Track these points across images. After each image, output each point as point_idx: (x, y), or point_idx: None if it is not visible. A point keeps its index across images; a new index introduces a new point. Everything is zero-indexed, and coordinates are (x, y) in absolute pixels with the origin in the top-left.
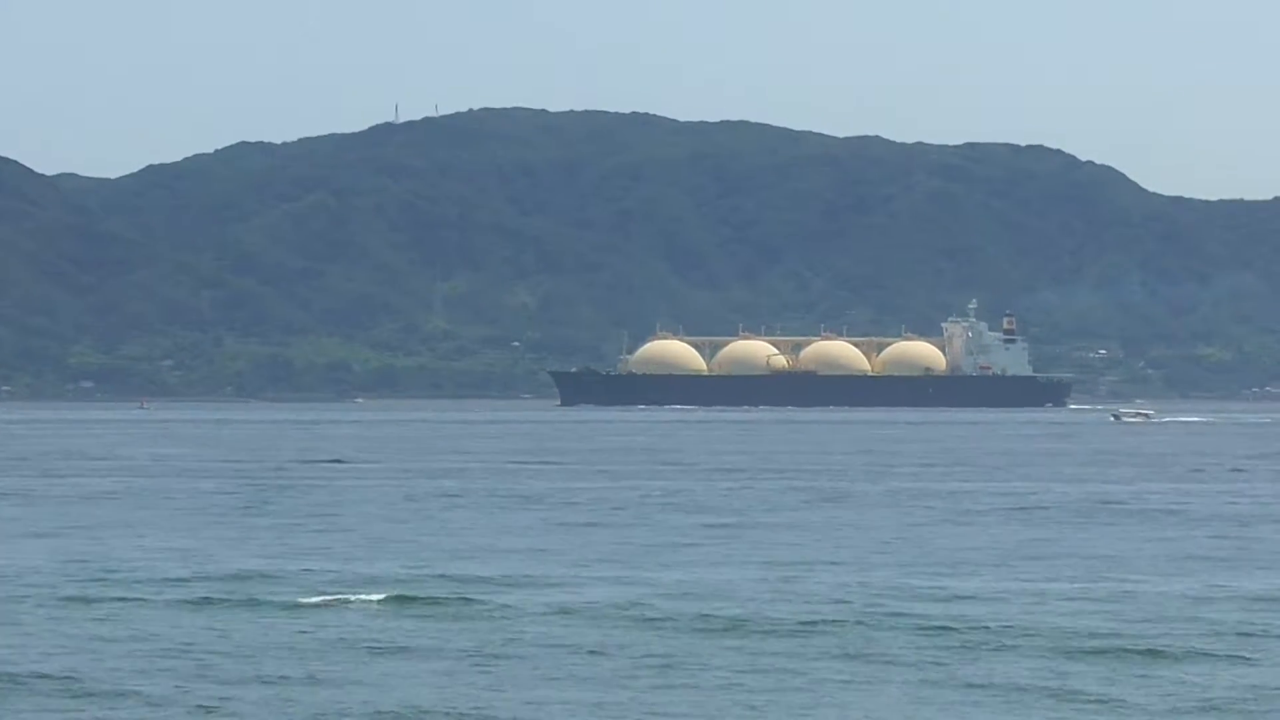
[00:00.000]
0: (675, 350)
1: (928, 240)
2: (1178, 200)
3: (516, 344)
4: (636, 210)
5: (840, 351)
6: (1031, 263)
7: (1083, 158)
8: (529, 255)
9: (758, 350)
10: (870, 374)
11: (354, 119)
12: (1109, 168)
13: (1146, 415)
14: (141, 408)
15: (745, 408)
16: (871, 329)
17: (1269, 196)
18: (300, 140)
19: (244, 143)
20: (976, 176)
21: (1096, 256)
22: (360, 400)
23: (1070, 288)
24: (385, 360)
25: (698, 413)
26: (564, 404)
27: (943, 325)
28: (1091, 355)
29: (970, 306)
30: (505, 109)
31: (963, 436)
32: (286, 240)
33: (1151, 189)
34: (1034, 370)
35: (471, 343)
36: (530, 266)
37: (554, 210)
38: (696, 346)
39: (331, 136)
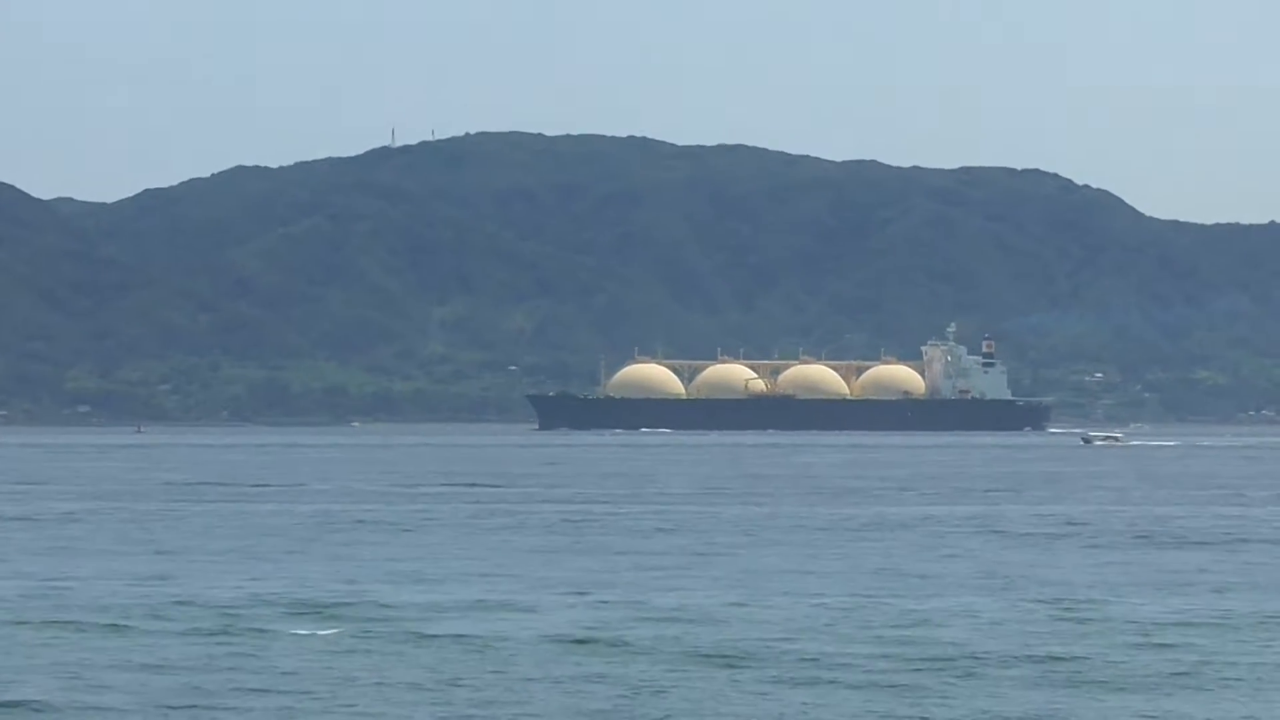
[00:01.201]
0: (653, 374)
1: (924, 264)
2: (1174, 224)
3: (513, 368)
4: (633, 234)
5: (819, 375)
6: (1028, 286)
7: (1079, 181)
8: (526, 279)
9: (736, 374)
10: (849, 398)
11: (350, 143)
12: (1105, 192)
13: (1116, 439)
14: (138, 432)
15: (723, 432)
16: (868, 353)
17: (1265, 220)
18: (297, 164)
19: (240, 167)
20: (973, 200)
21: (1093, 280)
22: (356, 424)
23: (1066, 311)
24: (382, 384)
25: (673, 436)
26: (542, 428)
27: (922, 349)
28: (1088, 379)
29: (949, 330)
30: (502, 133)
31: (888, 462)
32: (283, 264)
33: (1148, 213)
34: (1014, 394)
35: (468, 367)
36: (527, 290)
37: (551, 234)
38: (675, 370)
39: (328, 160)
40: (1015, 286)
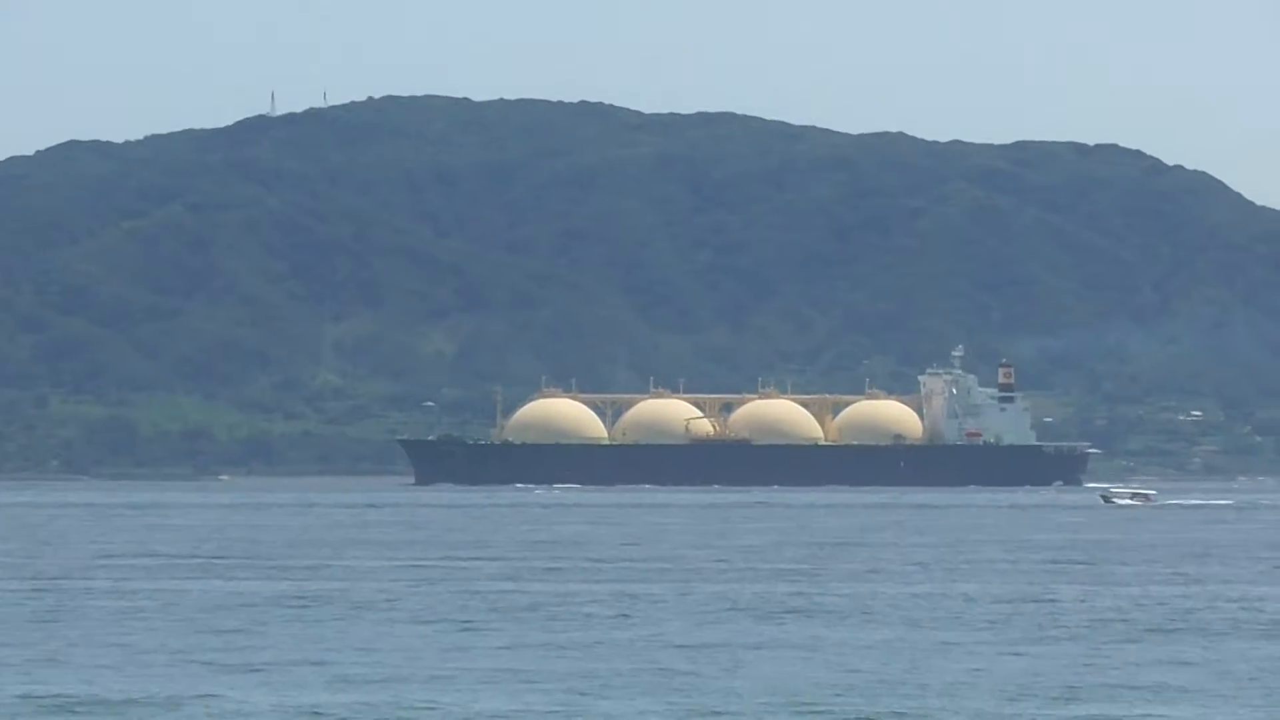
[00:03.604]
0: (564, 412)
1: (966, 268)
2: None
3: (430, 404)
4: (587, 230)
5: (783, 414)
6: (1102, 297)
7: (1169, 160)
8: (445, 288)
9: (673, 412)
10: (822, 443)
11: (217, 111)
12: (1203, 174)
13: (1146, 497)
14: None
15: (657, 487)
16: (894, 384)
17: None
18: (148, 139)
19: (74, 142)
20: (1030, 185)
21: (1187, 289)
22: (225, 478)
23: (1153, 329)
24: (258, 425)
25: (588, 493)
26: (419, 483)
27: (919, 379)
28: (1180, 418)
29: (955, 354)
30: (414, 98)
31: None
32: (129, 269)
33: (1258, 201)
34: (1038, 437)
35: (371, 403)
36: (447, 303)
37: (478, 230)
38: (595, 407)
39: (188, 134)
40: (1085, 297)
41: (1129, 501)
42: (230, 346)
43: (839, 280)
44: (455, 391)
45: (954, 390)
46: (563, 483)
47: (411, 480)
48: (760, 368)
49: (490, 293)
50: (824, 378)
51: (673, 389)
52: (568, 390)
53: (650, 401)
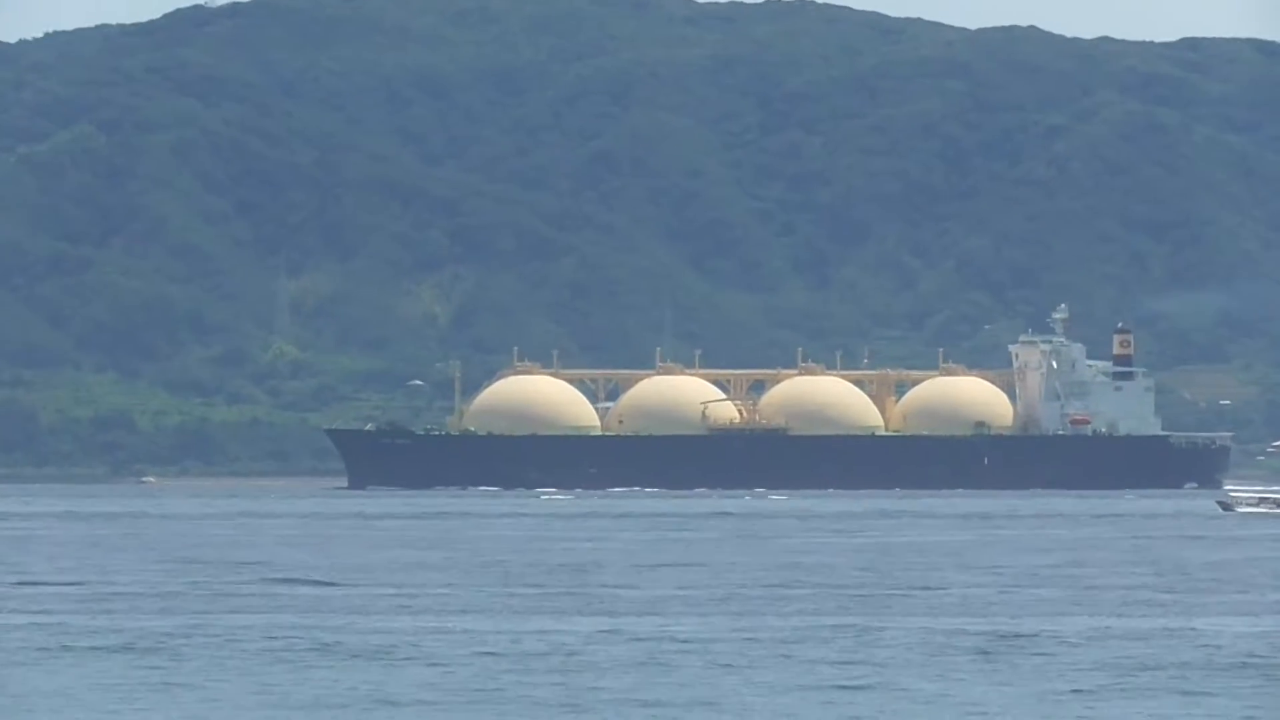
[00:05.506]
0: (543, 393)
1: (1118, 204)
2: None
3: (418, 383)
4: (621, 153)
5: (830, 394)
6: None
7: None
8: (437, 232)
9: (686, 392)
10: (881, 433)
11: (139, 3)
12: None
13: (1278, 502)
14: None
15: (665, 492)
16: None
17: None
18: (50, 36)
19: None
20: (1200, 96)
21: None
22: (150, 479)
23: None
24: (193, 411)
25: (577, 499)
26: (353, 486)
27: (1011, 349)
28: None
29: (1057, 316)
30: None
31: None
32: (24, 209)
33: None
34: (1164, 427)
35: (340, 380)
36: (440, 251)
37: (479, 156)
38: (584, 385)
39: (102, 30)
40: (1273, 241)
41: (1254, 509)
42: (156, 309)
43: (951, 221)
44: (452, 365)
45: (1054, 363)
46: (539, 486)
47: (345, 483)
48: (850, 334)
49: (495, 238)
50: (930, 348)
51: (686, 362)
52: (547, 365)
53: (656, 379)
